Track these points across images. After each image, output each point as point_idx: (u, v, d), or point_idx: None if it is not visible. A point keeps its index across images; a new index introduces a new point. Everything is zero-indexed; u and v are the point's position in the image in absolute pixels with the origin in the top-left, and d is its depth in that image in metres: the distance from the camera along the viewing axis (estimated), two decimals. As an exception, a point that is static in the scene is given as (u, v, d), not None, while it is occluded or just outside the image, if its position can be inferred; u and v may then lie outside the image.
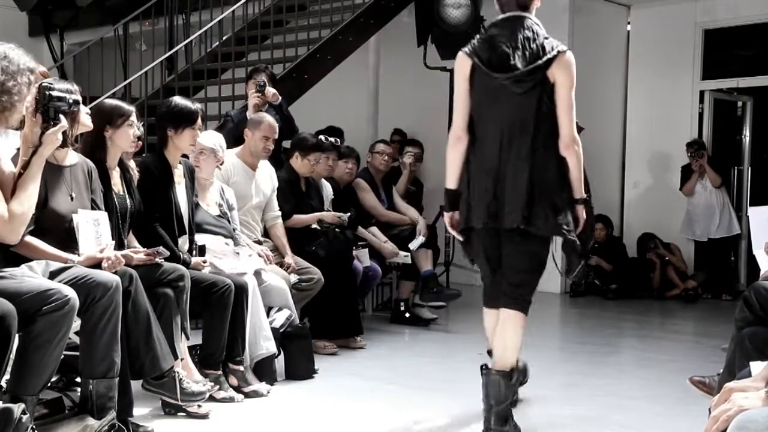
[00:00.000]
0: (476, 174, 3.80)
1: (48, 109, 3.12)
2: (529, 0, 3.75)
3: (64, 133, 3.47)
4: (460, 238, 3.97)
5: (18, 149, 3.29)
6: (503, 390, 3.71)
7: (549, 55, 3.62)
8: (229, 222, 4.85)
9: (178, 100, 4.43)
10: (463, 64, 3.75)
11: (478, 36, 3.84)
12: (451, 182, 3.98)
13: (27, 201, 3.08)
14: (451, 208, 4.00)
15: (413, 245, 6.54)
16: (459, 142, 3.85)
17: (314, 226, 5.76)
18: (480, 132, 3.78)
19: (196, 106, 4.42)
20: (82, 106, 3.60)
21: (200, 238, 4.51)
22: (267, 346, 4.53)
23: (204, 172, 4.71)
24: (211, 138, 4.79)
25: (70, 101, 3.21)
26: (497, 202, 3.70)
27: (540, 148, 3.66)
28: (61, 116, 3.16)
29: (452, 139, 3.89)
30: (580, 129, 3.74)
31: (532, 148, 3.65)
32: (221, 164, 4.88)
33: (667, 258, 8.77)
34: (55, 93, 3.14)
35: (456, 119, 3.83)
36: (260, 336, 4.50)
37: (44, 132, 3.13)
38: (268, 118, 5.47)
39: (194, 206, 4.49)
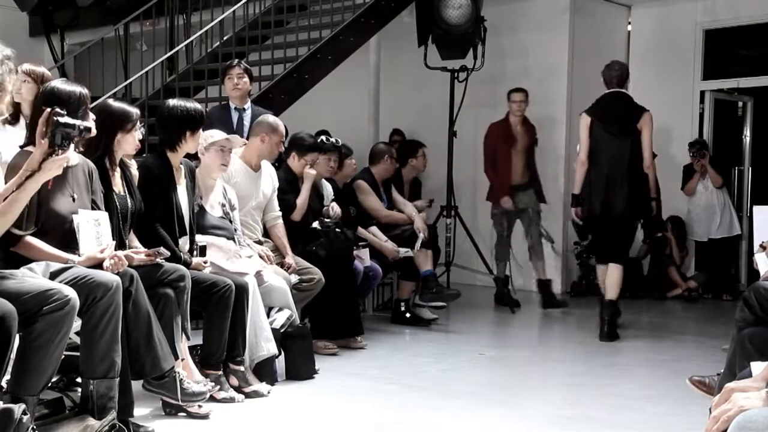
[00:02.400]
0: (596, 185, 6.29)
1: (55, 135, 3.04)
2: (624, 81, 6.53)
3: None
4: (579, 222, 6.85)
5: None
6: (612, 309, 6.39)
7: (638, 114, 6.31)
8: (230, 222, 4.86)
9: (187, 102, 4.43)
10: (585, 120, 6.40)
11: (593, 103, 6.53)
12: (577, 189, 6.43)
13: (10, 215, 3.05)
14: (576, 205, 6.45)
15: (416, 246, 6.54)
16: (583, 166, 6.36)
17: (315, 225, 5.76)
18: (597, 160, 6.31)
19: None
20: (90, 112, 3.61)
21: (203, 238, 4.52)
22: (268, 347, 4.54)
23: (213, 169, 4.76)
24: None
25: (81, 128, 3.13)
26: (609, 201, 6.24)
27: (632, 170, 6.23)
28: (69, 144, 3.08)
29: (579, 164, 6.43)
30: (654, 155, 6.44)
31: (628, 170, 6.23)
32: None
33: (668, 238, 8.76)
34: (63, 120, 3.07)
35: (581, 153, 6.37)
36: (261, 337, 4.51)
37: (46, 158, 3.04)
38: (281, 122, 5.50)
39: (194, 208, 4.49)
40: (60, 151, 3.06)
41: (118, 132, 3.91)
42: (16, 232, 3.27)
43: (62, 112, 3.11)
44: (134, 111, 4.00)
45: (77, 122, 3.12)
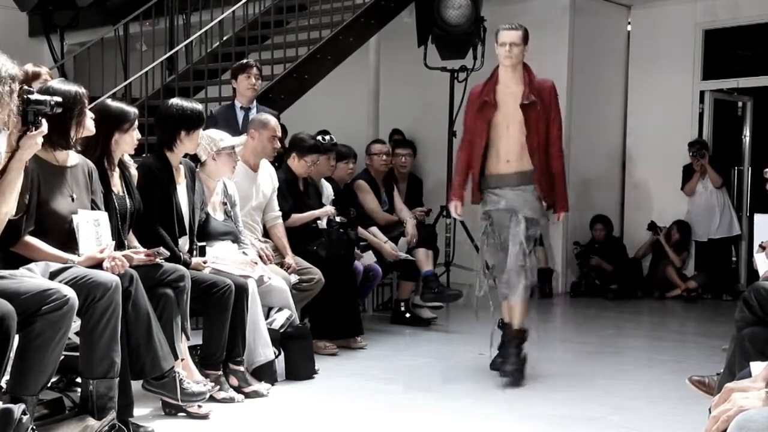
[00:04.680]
0: None
1: (27, 112, 3.02)
2: None
3: (66, 135, 3.45)
4: None
5: None
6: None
7: None
8: (232, 219, 4.86)
9: (185, 102, 4.43)
10: None
11: None
12: None
13: (5, 206, 3.03)
14: None
15: (401, 248, 6.54)
16: None
17: (321, 225, 5.75)
18: None
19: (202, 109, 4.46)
20: (87, 111, 3.60)
21: (214, 250, 4.53)
22: (266, 353, 4.54)
23: (226, 172, 4.76)
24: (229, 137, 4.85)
25: (52, 103, 3.09)
26: None
27: None
28: (43, 120, 3.05)
29: None
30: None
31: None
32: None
33: (661, 236, 8.76)
34: (33, 96, 3.04)
35: None
36: (259, 343, 4.50)
37: (22, 136, 3.02)
38: (273, 118, 5.50)
39: (194, 210, 4.47)
40: (33, 127, 3.03)
41: (116, 132, 3.90)
42: (15, 218, 3.21)
43: (32, 89, 3.09)
44: (132, 110, 4.00)
45: (47, 98, 3.09)
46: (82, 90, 3.56)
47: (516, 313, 4.90)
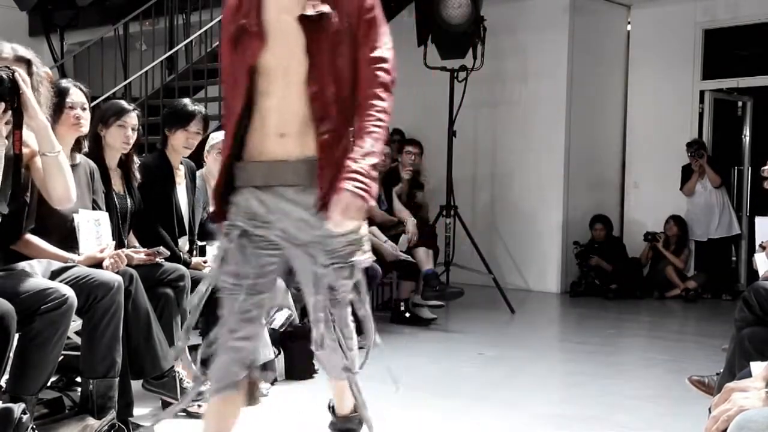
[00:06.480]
0: None
1: None
2: None
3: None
4: None
5: None
6: None
7: None
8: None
9: (181, 101, 4.45)
10: None
11: None
12: None
13: None
14: None
15: (401, 246, 6.54)
16: None
17: None
18: None
19: (194, 108, 4.36)
20: (73, 111, 3.56)
21: (215, 247, 4.53)
22: (265, 353, 4.52)
23: (213, 172, 4.76)
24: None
25: None
26: None
27: None
28: None
29: None
30: None
31: None
32: None
33: (659, 244, 8.77)
34: None
35: None
36: (258, 343, 4.50)
37: None
38: None
39: (193, 210, 4.47)
40: None
41: (102, 126, 3.89)
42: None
43: None
44: (122, 106, 3.97)
45: None
46: (70, 88, 3.53)
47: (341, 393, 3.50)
